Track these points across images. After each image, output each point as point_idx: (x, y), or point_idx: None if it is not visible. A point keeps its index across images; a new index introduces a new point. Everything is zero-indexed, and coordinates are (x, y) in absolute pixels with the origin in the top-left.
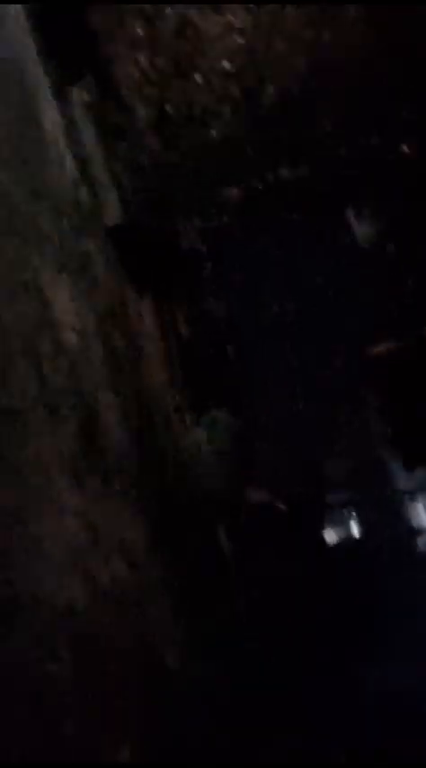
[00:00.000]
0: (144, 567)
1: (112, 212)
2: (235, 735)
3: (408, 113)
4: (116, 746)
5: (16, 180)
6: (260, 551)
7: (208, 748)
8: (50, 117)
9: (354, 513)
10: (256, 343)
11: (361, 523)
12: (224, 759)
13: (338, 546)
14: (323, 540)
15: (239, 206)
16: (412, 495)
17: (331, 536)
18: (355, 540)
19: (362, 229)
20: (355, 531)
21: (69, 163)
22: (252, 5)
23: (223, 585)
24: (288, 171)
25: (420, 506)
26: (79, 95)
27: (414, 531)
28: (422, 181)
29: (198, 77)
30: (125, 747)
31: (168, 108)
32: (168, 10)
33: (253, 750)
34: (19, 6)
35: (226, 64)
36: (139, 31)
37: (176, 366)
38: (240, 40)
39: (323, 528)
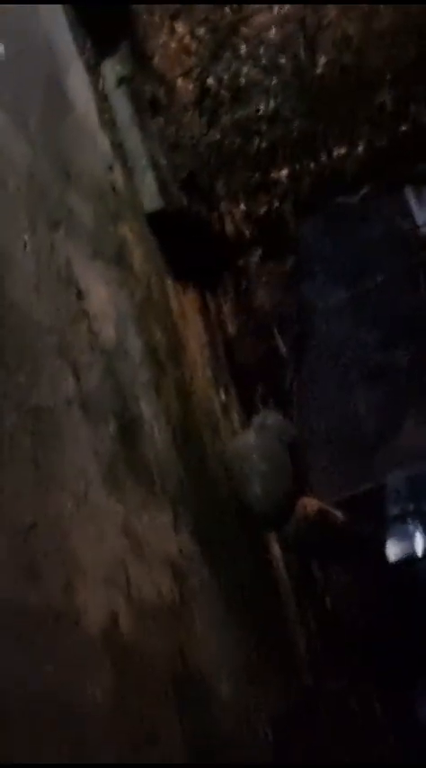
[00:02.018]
0: (188, 579)
1: (150, 196)
2: None
3: None
4: None
5: (45, 161)
6: (315, 564)
7: None
8: (82, 93)
9: (418, 525)
10: (309, 338)
11: (425, 536)
12: None
13: (401, 560)
14: (383, 553)
15: (289, 189)
16: None
17: (392, 550)
18: (418, 556)
19: (423, 212)
20: (419, 545)
21: (103, 142)
22: None
23: (274, 599)
24: (344, 149)
25: None
26: (113, 69)
27: None
28: None
29: (242, 48)
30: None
31: (210, 81)
32: None
33: None
34: None
35: (273, 32)
36: None
37: (222, 363)
38: (289, 8)
39: (383, 539)
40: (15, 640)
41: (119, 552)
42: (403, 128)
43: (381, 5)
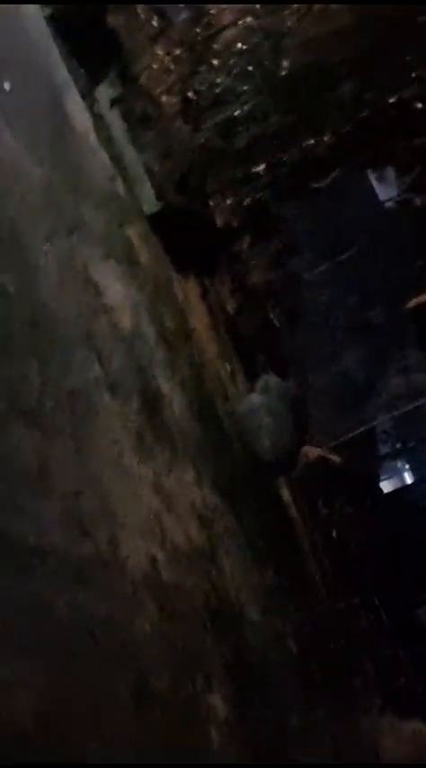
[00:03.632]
0: (214, 525)
1: (149, 200)
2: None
3: (419, 72)
4: (205, 693)
5: (56, 178)
6: (320, 501)
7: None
8: (81, 116)
9: (405, 460)
10: (298, 308)
11: (414, 471)
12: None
13: (394, 492)
14: (378, 487)
15: (268, 179)
16: None
17: (386, 483)
18: (409, 485)
19: (384, 189)
20: (408, 478)
21: (103, 158)
22: None
23: (288, 535)
24: (313, 139)
25: None
26: (105, 93)
27: None
28: None
29: (215, 61)
30: (214, 693)
31: (190, 93)
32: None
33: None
34: (38, 11)
35: (240, 44)
36: (155, 24)
37: (225, 338)
38: (252, 20)
39: (377, 474)
40: (76, 584)
41: (152, 508)
42: (364, 114)
43: (333, 6)
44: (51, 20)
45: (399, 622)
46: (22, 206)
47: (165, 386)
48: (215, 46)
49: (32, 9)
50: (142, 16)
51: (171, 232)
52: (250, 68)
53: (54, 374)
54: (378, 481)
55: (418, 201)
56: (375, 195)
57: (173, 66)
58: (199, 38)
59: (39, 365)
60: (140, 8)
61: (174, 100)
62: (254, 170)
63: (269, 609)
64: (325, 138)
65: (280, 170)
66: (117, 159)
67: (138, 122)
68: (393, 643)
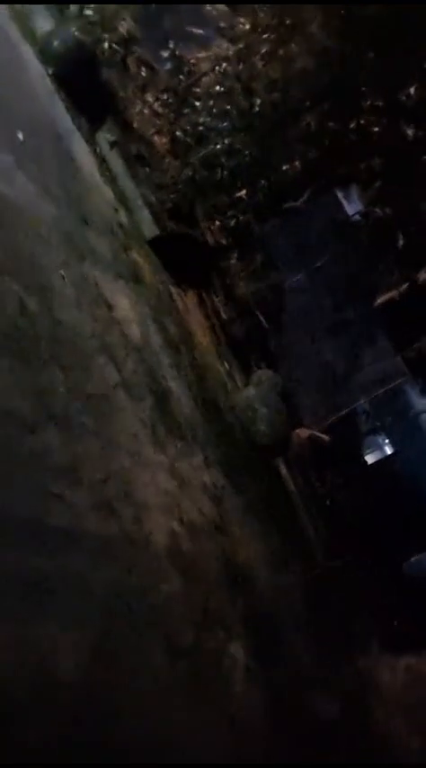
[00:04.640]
0: (223, 501)
1: (147, 227)
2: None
3: (372, 101)
4: (226, 644)
5: (67, 213)
6: (313, 475)
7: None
8: (85, 159)
9: (384, 435)
10: (282, 312)
11: (393, 443)
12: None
13: (377, 463)
14: (363, 459)
15: (249, 203)
16: None
17: (369, 456)
18: (389, 456)
19: (350, 204)
20: (388, 449)
21: (107, 193)
22: (230, 38)
23: (288, 506)
24: (286, 166)
25: None
26: (104, 137)
27: None
28: (391, 161)
29: (197, 103)
30: (235, 644)
31: (178, 133)
32: (164, 53)
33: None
34: (43, 70)
35: (217, 88)
36: (144, 74)
37: (221, 341)
38: (227, 67)
39: (361, 449)
40: (108, 559)
41: (169, 489)
42: (327, 140)
43: (294, 50)
44: (54, 77)
45: (389, 575)
46: (39, 239)
47: (173, 385)
48: (196, 90)
49: (38, 68)
50: (132, 69)
51: (169, 253)
52: (227, 107)
53: (77, 381)
54: (362, 454)
55: (379, 212)
56: (342, 210)
57: (161, 111)
58: (182, 84)
59: (63, 374)
60: (130, 61)
61: (164, 140)
62: (237, 195)
63: (274, 569)
64: (296, 164)
65: (259, 194)
66: (118, 193)
67: (135, 161)
68: (385, 593)
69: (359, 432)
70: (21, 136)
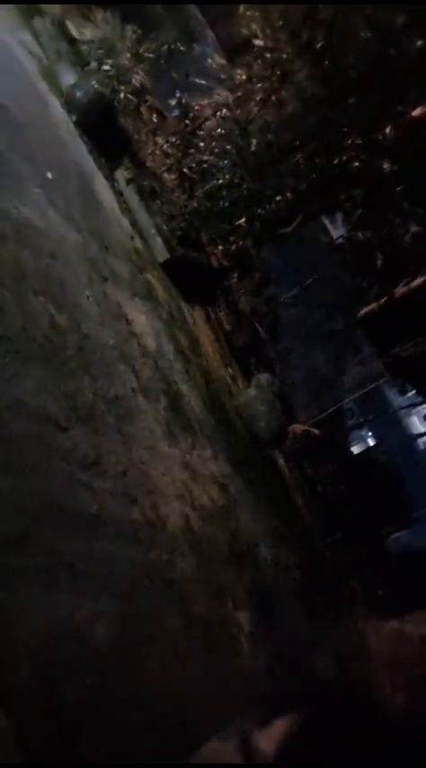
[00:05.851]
0: (229, 488)
1: (160, 252)
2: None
3: (353, 140)
4: (233, 613)
5: (90, 241)
6: (306, 464)
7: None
8: (105, 193)
9: (368, 429)
10: (278, 324)
11: (375, 436)
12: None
13: (362, 453)
14: (349, 450)
15: (248, 230)
16: (408, 410)
17: (355, 447)
18: (372, 447)
19: (335, 229)
20: (370, 441)
21: (124, 223)
22: (229, 87)
23: (285, 492)
24: (279, 197)
25: (414, 418)
26: (122, 175)
27: (414, 436)
28: (370, 192)
29: (201, 144)
30: (240, 612)
31: (184, 170)
32: (172, 101)
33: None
34: (68, 118)
35: (219, 131)
36: (154, 120)
37: (226, 350)
38: (226, 112)
39: (347, 441)
40: (128, 543)
41: (182, 479)
42: (315, 175)
43: (284, 96)
44: (78, 124)
45: (374, 550)
46: (66, 263)
47: (184, 388)
48: (200, 133)
49: (63, 117)
50: (145, 115)
51: (179, 274)
52: (227, 147)
53: (101, 386)
54: (349, 446)
55: (360, 236)
56: (328, 235)
57: (170, 151)
58: (188, 128)
59: (89, 380)
60: (143, 108)
61: (173, 176)
62: (237, 223)
63: (275, 547)
64: (288, 195)
65: (256, 222)
66: (134, 223)
67: (148, 195)
68: (371, 566)
69: (346, 426)
70: (50, 175)
